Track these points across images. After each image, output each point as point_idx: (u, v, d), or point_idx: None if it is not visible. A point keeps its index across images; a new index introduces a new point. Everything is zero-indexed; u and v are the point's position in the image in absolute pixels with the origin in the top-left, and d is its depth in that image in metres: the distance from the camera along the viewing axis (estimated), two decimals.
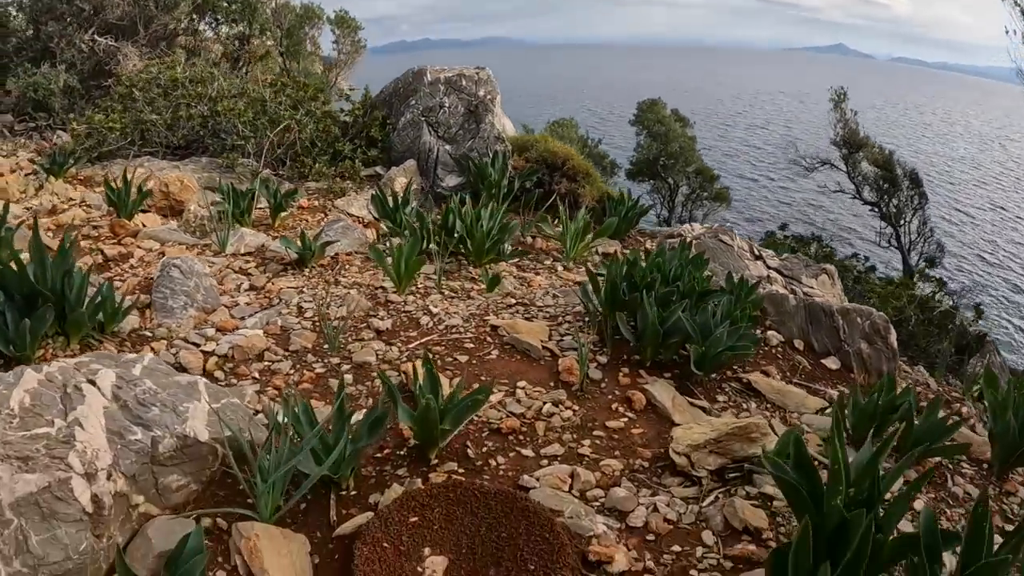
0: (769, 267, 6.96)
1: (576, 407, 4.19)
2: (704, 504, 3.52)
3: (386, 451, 3.70)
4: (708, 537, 3.30)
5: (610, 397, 4.34)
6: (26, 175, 8.37)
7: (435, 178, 9.33)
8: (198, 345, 4.63)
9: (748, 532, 3.33)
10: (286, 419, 3.24)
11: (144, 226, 6.75)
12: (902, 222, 13.83)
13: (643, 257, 5.55)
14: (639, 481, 3.65)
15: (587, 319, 5.18)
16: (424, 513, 3.03)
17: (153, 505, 3.14)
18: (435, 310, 5.30)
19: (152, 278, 5.36)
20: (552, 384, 4.41)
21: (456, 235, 6.43)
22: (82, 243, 6.32)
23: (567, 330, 5.11)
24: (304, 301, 5.41)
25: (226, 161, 8.63)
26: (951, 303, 11.13)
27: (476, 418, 3.95)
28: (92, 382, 3.24)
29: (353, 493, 3.39)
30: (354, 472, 3.43)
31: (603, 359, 4.73)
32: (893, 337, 5.93)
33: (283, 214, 7.60)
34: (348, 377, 4.38)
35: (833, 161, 15.05)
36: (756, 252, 7.12)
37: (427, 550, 2.92)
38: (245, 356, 4.53)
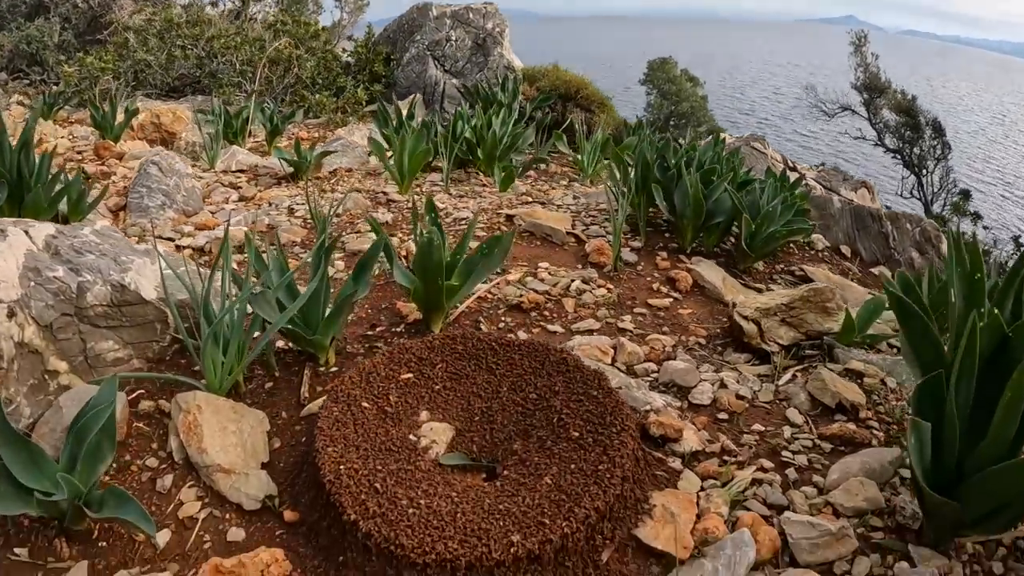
0: (805, 176, 6.10)
1: (611, 286, 3.36)
2: (781, 383, 2.68)
3: (379, 328, 2.88)
4: (795, 416, 2.47)
5: (648, 279, 3.51)
6: (16, 121, 7.61)
7: (441, 111, 8.50)
8: (172, 240, 3.83)
9: (842, 410, 2.51)
10: (251, 260, 2.41)
11: (130, 150, 5.96)
12: (924, 172, 12.82)
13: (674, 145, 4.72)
14: (698, 357, 2.83)
15: (616, 211, 4.34)
16: (422, 369, 2.21)
17: (79, 378, 2.33)
18: (442, 206, 4.47)
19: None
20: (579, 266, 3.58)
21: (464, 142, 5.59)
22: (65, 165, 5.53)
23: (592, 221, 4.27)
24: (296, 204, 4.60)
25: (222, 96, 7.82)
26: (989, 239, 10.21)
27: (490, 295, 3.13)
28: (26, 232, 2.44)
29: (333, 369, 2.57)
30: (334, 343, 2.60)
31: (636, 244, 3.89)
32: (945, 246, 5.12)
33: (280, 141, 6.78)
34: (339, 264, 3.56)
35: (854, 107, 14.02)
36: (791, 164, 6.30)
37: (424, 414, 2.10)
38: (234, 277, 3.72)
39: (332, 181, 5.41)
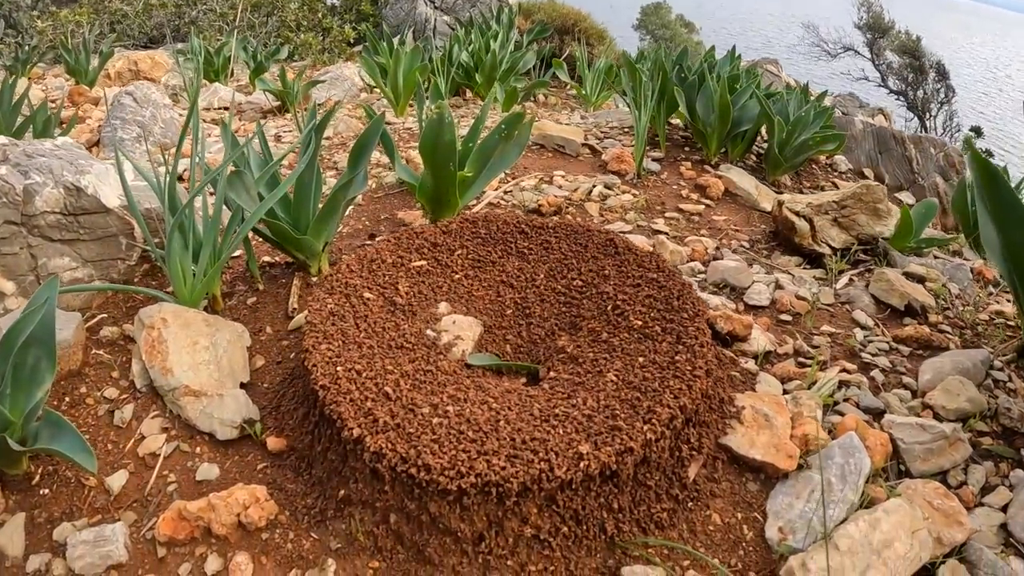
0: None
1: (636, 192, 2.96)
2: (838, 286, 2.31)
3: (378, 239, 2.47)
4: (863, 318, 2.14)
5: (675, 187, 3.11)
6: None
7: (432, 49, 7.98)
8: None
9: (911, 312, 2.18)
10: (226, 148, 2.00)
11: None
12: (928, 115, 12.30)
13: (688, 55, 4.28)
14: (746, 258, 2.45)
15: (638, 114, 3.91)
16: (438, 256, 1.80)
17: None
18: None
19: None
20: (598, 174, 3.17)
21: (460, 66, 5.14)
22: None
23: (605, 135, 3.85)
24: (283, 132, 4.17)
25: (204, 38, 7.31)
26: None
27: (502, 201, 2.73)
28: None
29: (326, 276, 2.16)
30: (328, 248, 2.20)
31: (657, 155, 3.48)
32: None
33: (263, 75, 6.30)
34: (331, 181, 3.15)
35: (857, 48, 13.44)
36: (802, 88, 5.82)
37: (444, 305, 1.71)
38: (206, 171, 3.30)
39: (321, 112, 4.96)
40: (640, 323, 1.56)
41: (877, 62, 12.64)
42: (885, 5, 12.68)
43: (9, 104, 3.22)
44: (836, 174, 4.24)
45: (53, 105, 5.44)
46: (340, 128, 3.99)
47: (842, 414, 1.66)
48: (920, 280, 2.36)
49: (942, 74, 12.13)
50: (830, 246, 2.52)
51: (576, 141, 3.45)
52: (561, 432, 1.28)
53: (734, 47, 4.86)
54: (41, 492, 1.45)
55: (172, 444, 1.55)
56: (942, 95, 12.14)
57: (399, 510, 1.25)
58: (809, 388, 1.72)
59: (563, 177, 3.03)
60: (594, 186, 2.90)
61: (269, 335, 1.89)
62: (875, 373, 1.84)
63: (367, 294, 1.60)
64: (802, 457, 1.49)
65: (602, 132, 3.97)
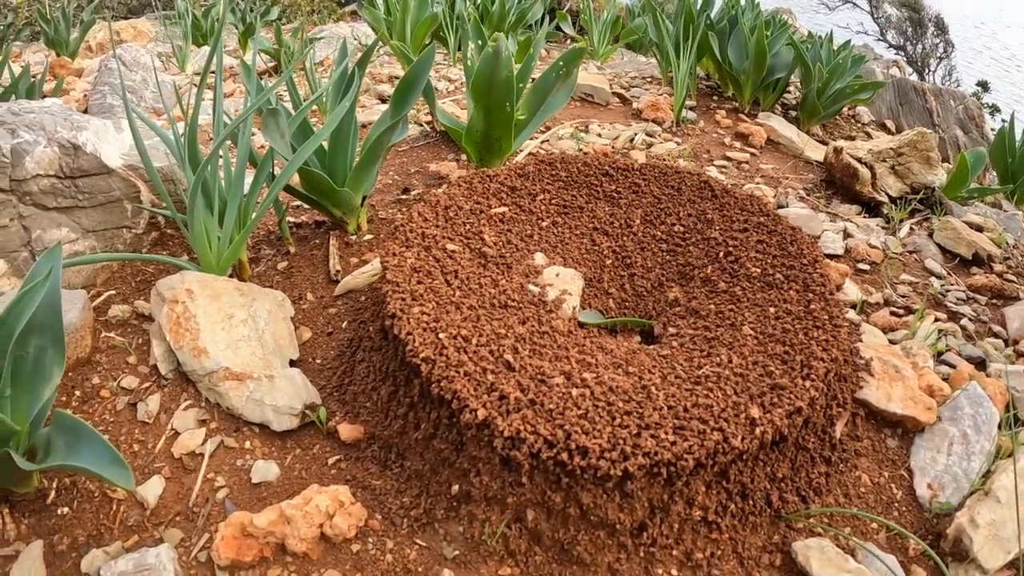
0: None
1: (679, 140, 2.71)
2: (902, 234, 2.12)
3: (414, 192, 2.22)
4: (934, 267, 2.00)
5: (715, 135, 2.86)
6: None
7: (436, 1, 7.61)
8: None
9: (977, 261, 2.08)
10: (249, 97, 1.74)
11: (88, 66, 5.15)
12: (927, 71, 11.99)
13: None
14: (809, 205, 2.22)
15: (677, 61, 3.63)
16: (519, 202, 1.55)
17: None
18: (454, 76, 3.76)
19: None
20: (634, 123, 2.91)
21: (468, 14, 4.82)
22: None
23: (630, 83, 3.59)
24: (283, 91, 3.87)
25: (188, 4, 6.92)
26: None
27: (543, 151, 2.47)
28: None
29: (367, 237, 1.91)
30: (367, 201, 1.94)
31: (690, 103, 3.22)
32: (988, 126, 4.62)
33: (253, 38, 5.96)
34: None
35: (855, 0, 13.09)
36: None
37: (540, 256, 1.47)
38: (204, 139, 3.03)
39: (321, 72, 4.65)
40: (759, 270, 1.37)
41: (876, 15, 12.31)
42: None
43: None
44: (859, 125, 4.02)
45: (34, 80, 5.10)
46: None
47: (952, 365, 1.54)
48: (979, 229, 2.25)
49: (941, 28, 11.82)
50: (888, 195, 2.31)
51: (605, 89, 3.18)
52: (721, 396, 1.09)
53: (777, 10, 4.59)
54: (60, 512, 1.17)
55: (215, 440, 1.29)
56: (941, 50, 11.84)
57: (539, 504, 1.02)
58: (915, 337, 1.59)
59: (599, 126, 2.77)
60: (636, 134, 2.64)
61: (312, 303, 1.63)
62: (965, 322, 1.74)
63: (450, 245, 1.35)
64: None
65: (626, 80, 3.70)
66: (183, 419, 1.32)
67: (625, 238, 1.51)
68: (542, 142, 2.54)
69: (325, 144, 1.77)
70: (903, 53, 11.92)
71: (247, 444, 1.28)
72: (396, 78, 3.87)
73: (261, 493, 1.19)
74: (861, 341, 1.47)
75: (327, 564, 1.05)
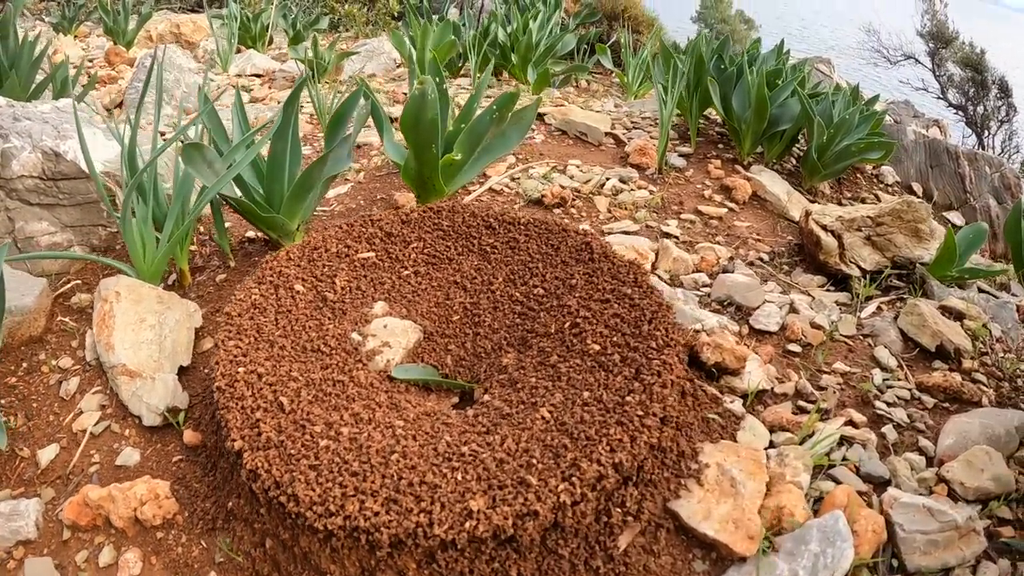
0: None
1: (653, 188, 2.80)
2: (864, 314, 2.11)
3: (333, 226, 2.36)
4: (885, 357, 1.92)
5: (699, 185, 2.94)
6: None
7: (474, 26, 7.81)
8: (163, 134, 3.35)
9: (943, 355, 1.95)
10: (202, 124, 1.90)
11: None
12: (987, 133, 11.70)
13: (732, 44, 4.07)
14: (762, 274, 2.27)
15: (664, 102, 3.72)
16: (389, 248, 1.68)
17: (8, 266, 1.88)
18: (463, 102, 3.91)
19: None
20: (617, 166, 3.02)
21: (498, 47, 4.99)
22: (72, 72, 5.09)
23: (635, 126, 3.68)
24: (306, 102, 4.09)
25: (249, 3, 7.27)
26: None
27: (506, 188, 2.60)
28: None
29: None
30: (304, 226, 2.10)
31: (685, 150, 3.30)
32: None
33: (302, 43, 6.24)
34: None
35: (917, 56, 12.86)
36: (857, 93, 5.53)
37: (380, 305, 1.58)
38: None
39: (351, 86, 4.87)
40: (598, 348, 1.39)
41: (938, 73, 12.07)
42: (950, 15, 12.10)
43: (28, 61, 3.18)
44: (881, 186, 4.00)
45: (75, 65, 5.44)
46: (360, 103, 3.87)
47: (837, 481, 1.44)
48: (958, 317, 2.11)
49: (1005, 91, 11.50)
50: (860, 267, 2.32)
51: (600, 129, 3.29)
52: (458, 479, 1.13)
53: (782, 41, 4.62)
54: None
55: (104, 424, 1.51)
56: (1003, 113, 11.51)
57: (274, 536, 1.15)
58: (802, 443, 1.51)
59: (578, 167, 2.89)
60: (608, 178, 2.75)
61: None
62: (887, 429, 1.63)
63: (298, 286, 1.50)
64: (769, 537, 1.26)
65: (632, 122, 3.80)
66: (89, 402, 1.56)
67: (482, 295, 1.59)
68: (513, 178, 2.66)
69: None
70: (963, 113, 11.66)
71: (126, 432, 1.50)
72: None
73: (119, 474, 1.41)
74: (734, 439, 1.47)
75: (135, 543, 1.25)
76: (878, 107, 5.49)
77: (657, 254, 2.20)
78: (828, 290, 2.28)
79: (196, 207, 1.72)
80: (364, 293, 1.55)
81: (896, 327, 2.02)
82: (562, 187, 2.62)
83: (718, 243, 2.44)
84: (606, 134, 3.33)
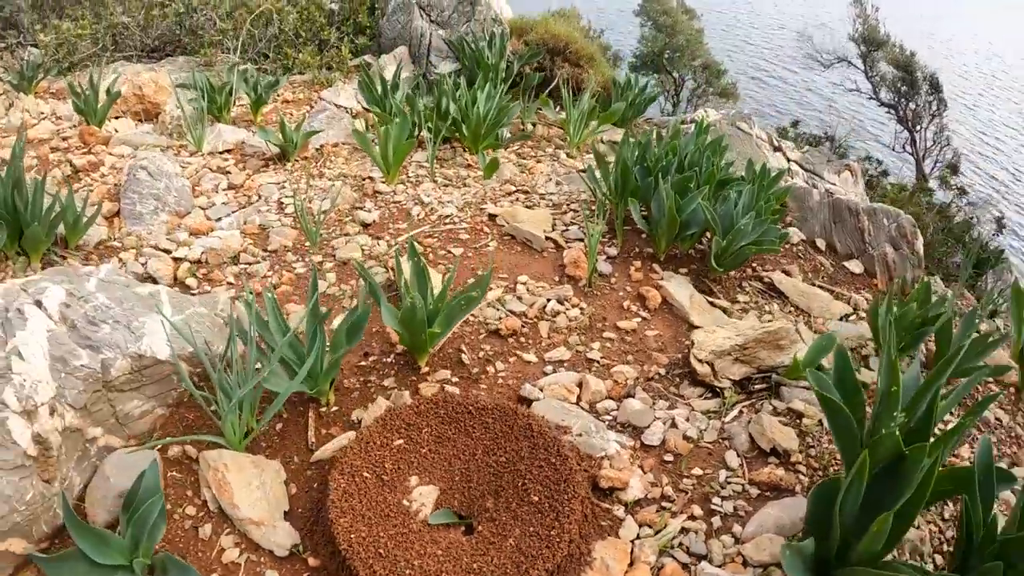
0: (789, 159, 6.33)
1: (584, 304, 3.70)
2: (727, 419, 3.05)
3: (371, 358, 3.25)
4: (732, 458, 2.86)
5: (621, 294, 3.84)
6: None
7: (428, 65, 8.58)
8: (169, 252, 4.13)
9: (776, 453, 2.88)
10: (254, 327, 2.73)
11: (116, 132, 6.13)
12: (919, 128, 12.94)
13: (655, 141, 4.95)
14: (655, 391, 3.19)
15: (594, 207, 4.61)
16: (411, 435, 2.59)
17: (114, 436, 2.71)
18: (427, 199, 4.75)
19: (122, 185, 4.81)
20: (556, 279, 3.91)
21: (450, 119, 5.80)
22: (51, 156, 5.73)
23: (572, 219, 4.57)
24: (285, 196, 4.88)
25: (204, 57, 7.91)
26: (971, 215, 10.45)
27: (472, 318, 3.47)
28: (39, 303, 2.74)
29: (334, 409, 2.97)
30: (334, 385, 2.98)
31: (613, 251, 4.21)
32: (920, 243, 5.43)
33: (265, 108, 6.94)
34: (331, 276, 3.90)
35: (850, 59, 14.02)
36: (775, 143, 6.50)
37: (414, 479, 2.52)
38: (220, 260, 4.04)
39: (319, 163, 5.64)
40: (536, 499, 2.35)
41: (870, 74, 13.22)
42: (880, 18, 13.22)
43: (40, 210, 3.83)
44: (787, 246, 4.94)
45: (65, 145, 6.07)
46: (336, 200, 4.68)
47: (674, 559, 2.38)
48: (799, 415, 3.04)
49: (935, 87, 12.73)
50: (730, 379, 3.25)
51: (541, 237, 4.16)
52: None
53: (703, 119, 5.51)
54: None
55: (245, 555, 2.41)
56: (934, 107, 12.76)
57: None
58: (656, 534, 2.47)
59: (525, 286, 3.76)
60: (548, 301, 3.63)
61: (297, 465, 2.73)
62: (716, 519, 2.55)
63: (365, 473, 2.44)
64: None
65: (571, 210, 4.67)
66: (226, 541, 2.44)
67: (470, 462, 2.53)
68: (480, 306, 3.52)
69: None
70: (895, 112, 12.85)
71: (262, 560, 2.41)
72: (378, 192, 4.85)
73: None
74: (618, 535, 2.39)
75: None
76: (794, 157, 6.47)
77: (581, 387, 3.11)
78: (706, 398, 3.19)
79: (276, 405, 2.60)
80: (403, 472, 2.48)
81: (747, 431, 2.95)
82: (514, 313, 3.50)
83: (628, 362, 3.34)
84: (546, 239, 4.19)
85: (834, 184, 6.49)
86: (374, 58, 8.75)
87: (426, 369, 3.16)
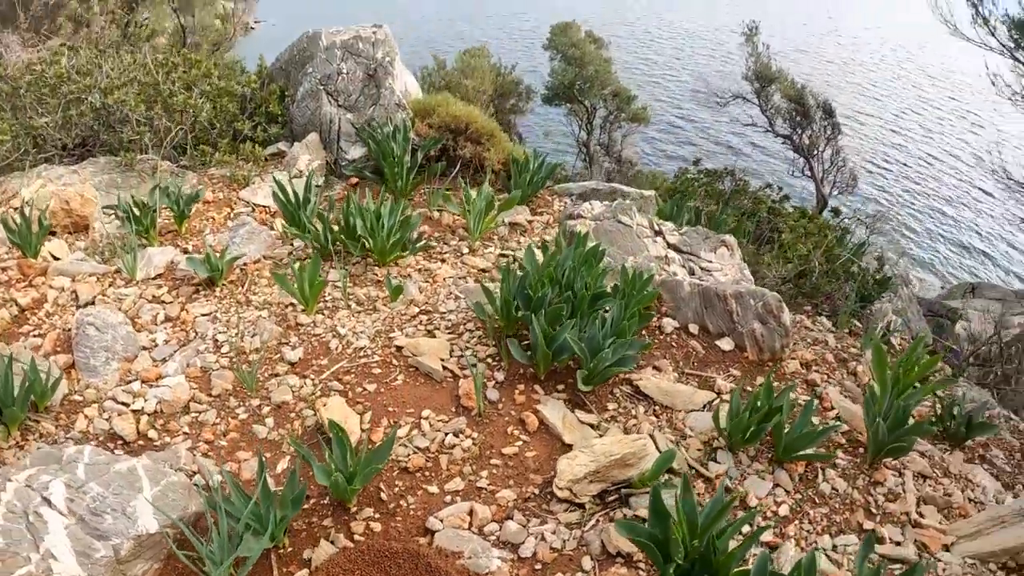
0: (668, 244, 7.57)
1: (475, 434, 4.88)
2: (586, 529, 4.26)
3: (311, 500, 4.36)
4: (587, 562, 4.05)
5: (507, 419, 5.03)
6: None
7: (339, 151, 9.61)
8: (127, 404, 5.13)
9: (621, 556, 4.07)
10: (222, 506, 3.82)
11: (53, 258, 7.03)
12: (815, 152, 14.64)
13: (541, 252, 6.16)
14: (529, 511, 4.38)
15: (485, 329, 5.78)
16: None
17: None
18: (343, 331, 5.86)
19: (70, 329, 5.77)
20: (454, 410, 5.07)
21: (358, 237, 6.89)
22: None
23: (468, 342, 5.74)
24: (219, 333, 5.92)
25: (125, 159, 8.77)
26: (864, 235, 11.96)
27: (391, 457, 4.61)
28: (47, 500, 3.77)
29: (289, 550, 4.07)
30: (287, 531, 4.07)
31: (500, 376, 5.39)
32: (786, 316, 6.61)
33: (187, 219, 7.90)
34: (269, 421, 4.98)
35: (746, 95, 15.67)
36: (656, 227, 7.70)
37: None
38: (173, 410, 5.08)
39: (245, 286, 6.67)
40: None
41: (765, 108, 14.83)
42: (772, 55, 14.83)
43: (11, 385, 4.81)
44: (661, 336, 6.20)
45: (7, 277, 6.93)
46: (264, 337, 5.75)
47: None
48: (643, 521, 4.30)
49: (828, 113, 14.40)
50: (589, 496, 4.47)
51: (439, 369, 5.32)
52: None
53: (579, 235, 6.71)
54: None
55: None
56: (828, 132, 14.44)
57: None
58: None
59: (428, 420, 4.92)
60: (447, 435, 4.80)
61: None
62: None
63: None
64: None
65: (467, 331, 5.84)
66: None
67: None
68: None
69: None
70: (790, 142, 14.51)
71: None
72: (300, 324, 5.93)
73: None
74: None
75: None
76: (672, 238, 7.76)
77: (471, 514, 4.28)
78: (570, 511, 4.40)
79: (248, 563, 3.68)
80: None
81: (599, 538, 4.17)
82: (418, 449, 4.67)
83: (510, 486, 4.53)
84: (444, 369, 5.36)
85: (711, 261, 7.74)
86: (288, 145, 9.76)
87: (355, 509, 4.29)
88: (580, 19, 17.06)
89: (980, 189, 25.63)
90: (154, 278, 6.84)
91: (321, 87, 9.72)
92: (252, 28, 10.99)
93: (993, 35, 12.86)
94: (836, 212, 11.39)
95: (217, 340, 5.85)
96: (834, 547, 4.35)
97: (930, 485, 5.06)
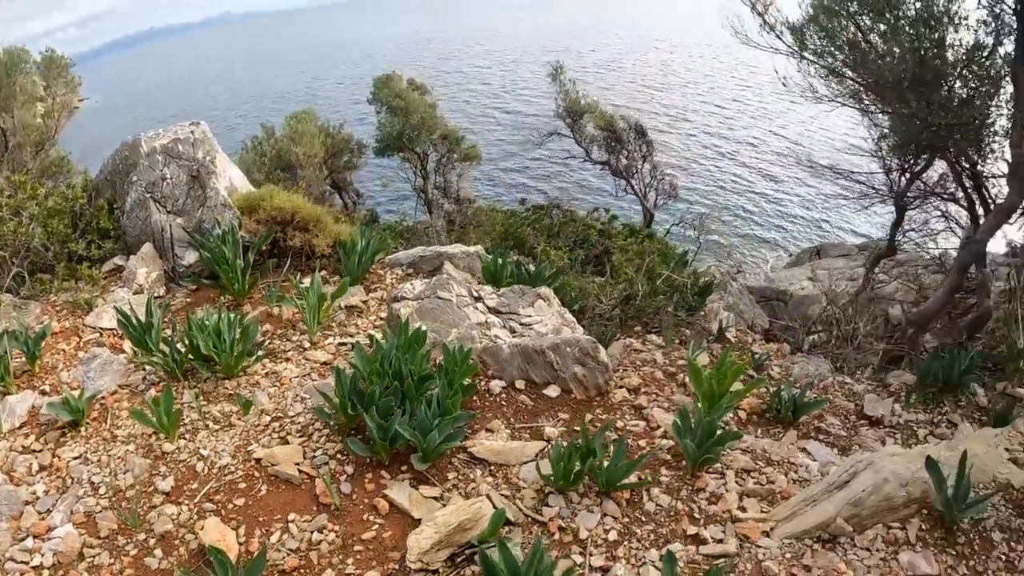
0: (488, 308, 8.97)
1: (337, 527, 6.11)
2: None
3: None
4: None
5: (361, 507, 6.29)
6: None
7: (174, 258, 10.48)
8: (27, 563, 6.00)
9: None
10: None
11: None
12: (634, 172, 16.61)
13: (371, 343, 7.43)
14: None
15: (331, 428, 7.02)
16: None
17: None
18: (205, 453, 6.93)
19: None
20: (315, 508, 6.29)
21: (204, 357, 7.97)
22: None
23: (318, 441, 6.97)
24: (93, 475, 6.87)
25: None
26: (695, 236, 13.76)
27: (268, 561, 5.78)
28: None
29: None
30: None
31: (350, 469, 6.64)
32: (602, 354, 7.95)
33: (39, 357, 8.70)
34: (157, 551, 6.04)
35: (560, 131, 17.51)
36: (475, 294, 9.09)
37: None
38: (68, 559, 6.03)
39: (108, 422, 7.64)
40: None
41: (579, 140, 16.72)
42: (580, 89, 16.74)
43: None
44: (490, 398, 7.60)
45: None
46: (136, 472, 6.79)
47: None
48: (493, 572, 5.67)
49: (641, 133, 16.39)
50: (440, 562, 5.80)
51: (296, 474, 6.53)
52: None
53: (400, 323, 8.03)
54: None
55: None
56: (644, 150, 16.44)
57: None
58: None
59: (295, 524, 6.12)
60: (312, 533, 6.02)
61: None
62: None
63: None
64: None
65: (318, 430, 7.06)
66: None
67: None
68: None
69: None
70: (608, 167, 16.46)
71: None
72: (165, 453, 6.99)
73: None
74: None
75: None
76: (491, 301, 9.18)
77: None
78: None
79: None
80: None
81: None
82: (291, 551, 5.87)
83: (374, 567, 5.79)
84: (300, 473, 6.57)
85: (531, 316, 9.20)
86: (124, 259, 10.59)
87: None
88: (400, 67, 18.38)
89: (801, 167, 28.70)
90: (20, 427, 7.67)
91: (148, 195, 10.57)
92: (75, 108, 11.59)
93: (780, 39, 14.99)
94: (649, 224, 13.18)
95: (93, 482, 6.80)
96: (660, 558, 5.47)
97: (753, 478, 6.38)
